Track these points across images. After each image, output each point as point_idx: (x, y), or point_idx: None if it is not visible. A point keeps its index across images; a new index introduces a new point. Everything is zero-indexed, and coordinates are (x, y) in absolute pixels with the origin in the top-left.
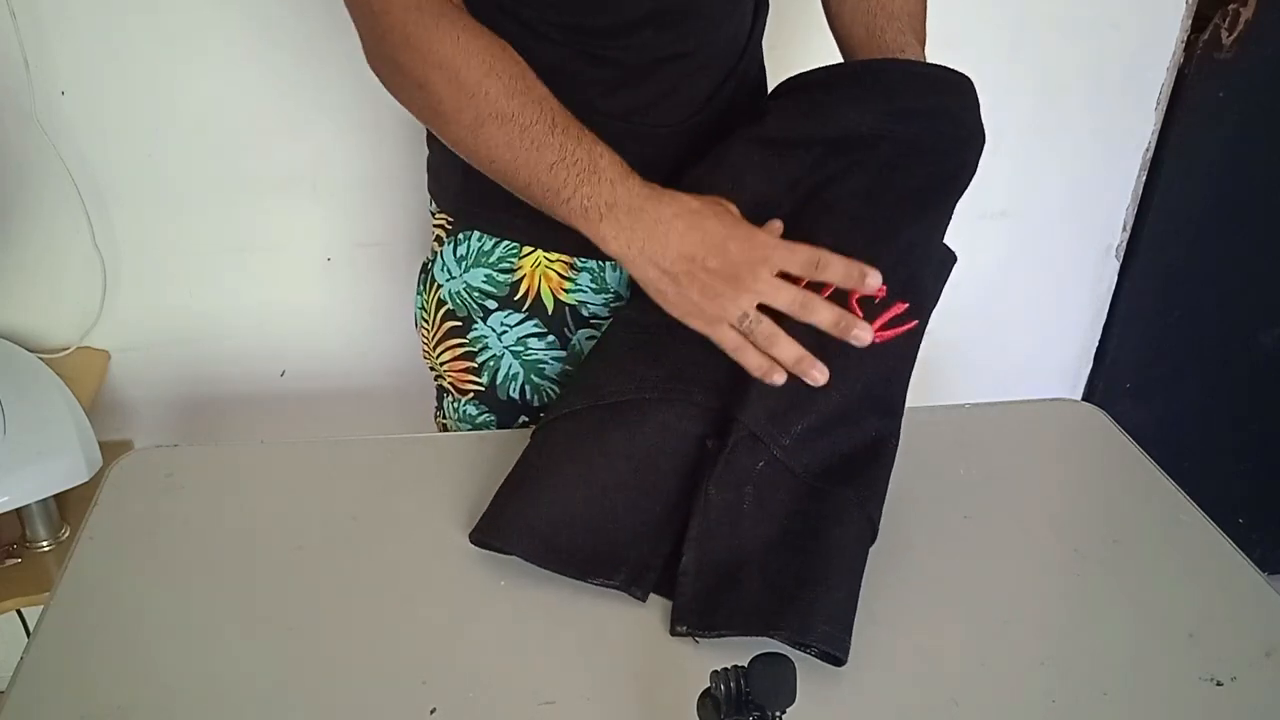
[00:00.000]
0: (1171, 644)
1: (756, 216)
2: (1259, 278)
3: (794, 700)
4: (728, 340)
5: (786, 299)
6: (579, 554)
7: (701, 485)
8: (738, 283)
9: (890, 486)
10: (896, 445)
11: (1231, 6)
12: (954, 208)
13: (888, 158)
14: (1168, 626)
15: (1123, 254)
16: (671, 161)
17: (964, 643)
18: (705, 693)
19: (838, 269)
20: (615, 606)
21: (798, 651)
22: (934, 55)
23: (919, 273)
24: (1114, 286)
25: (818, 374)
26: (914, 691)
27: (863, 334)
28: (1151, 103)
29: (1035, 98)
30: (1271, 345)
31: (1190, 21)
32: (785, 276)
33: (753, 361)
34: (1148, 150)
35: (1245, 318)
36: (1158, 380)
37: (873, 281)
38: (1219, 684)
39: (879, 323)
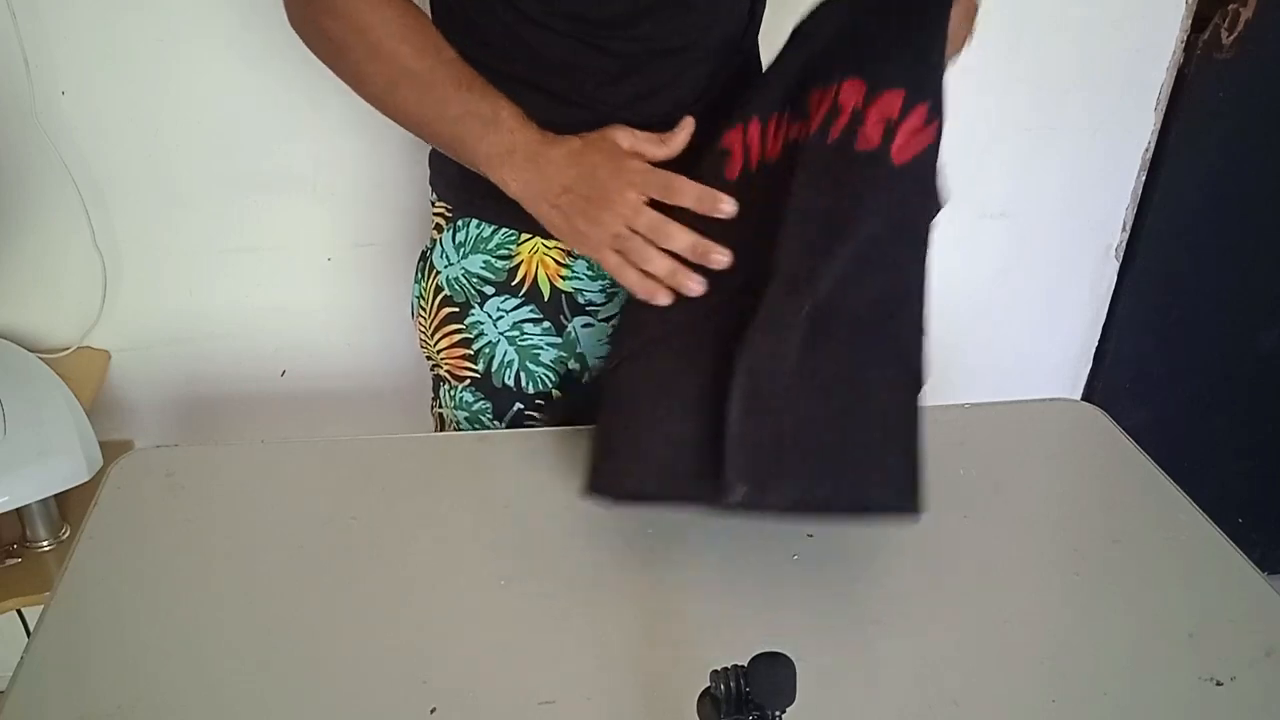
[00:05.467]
0: (1171, 644)
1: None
2: (1259, 278)
3: (794, 700)
4: (609, 261)
5: (644, 222)
6: (700, 473)
7: (745, 340)
8: (606, 205)
9: None
10: (927, 281)
11: (1231, 6)
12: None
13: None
14: (1168, 626)
15: (1122, 254)
16: (683, 151)
17: (964, 643)
18: (705, 692)
19: (689, 194)
20: (615, 606)
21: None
22: None
23: (932, 73)
24: (1114, 286)
25: (694, 285)
26: (914, 691)
27: (719, 256)
28: (1151, 103)
29: (1035, 98)
30: (1271, 345)
31: (1190, 21)
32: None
33: (632, 279)
34: (1147, 150)
35: (1245, 318)
36: (1157, 380)
37: (727, 208)
38: (1219, 684)
39: (899, 139)
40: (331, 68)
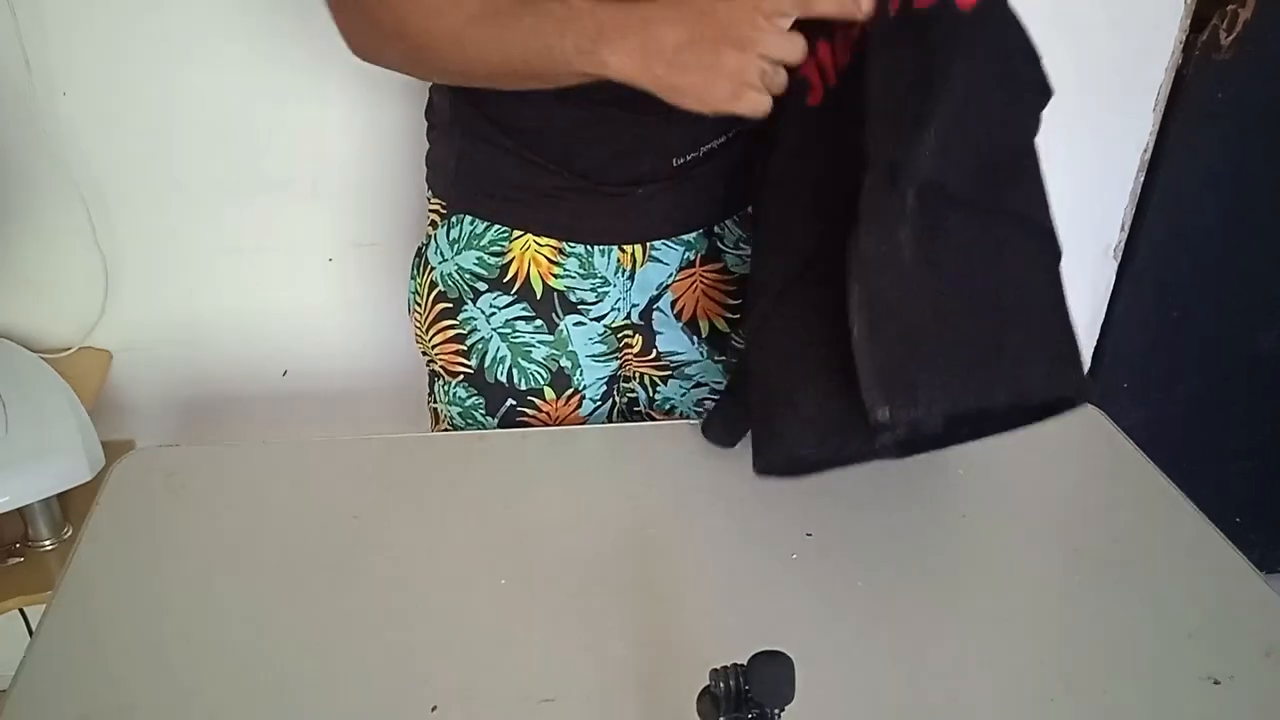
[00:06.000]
0: (1171, 644)
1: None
2: (1258, 278)
3: (793, 698)
4: (756, 106)
5: (790, 49)
6: (852, 419)
7: (851, 243)
8: (740, 43)
9: (889, 486)
10: (1036, 129)
11: (1230, 7)
12: None
13: None
14: (1168, 626)
15: (1121, 254)
16: (676, 147)
17: (964, 643)
18: (705, 691)
19: (828, 2)
20: (615, 607)
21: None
22: None
23: None
24: (1113, 286)
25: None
26: (914, 691)
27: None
28: (1150, 103)
29: None
30: (1271, 345)
31: (1189, 22)
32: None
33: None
34: (1146, 150)
35: (1244, 318)
36: (1156, 380)
37: (867, 5)
38: (1218, 684)
39: None
40: (405, 64)
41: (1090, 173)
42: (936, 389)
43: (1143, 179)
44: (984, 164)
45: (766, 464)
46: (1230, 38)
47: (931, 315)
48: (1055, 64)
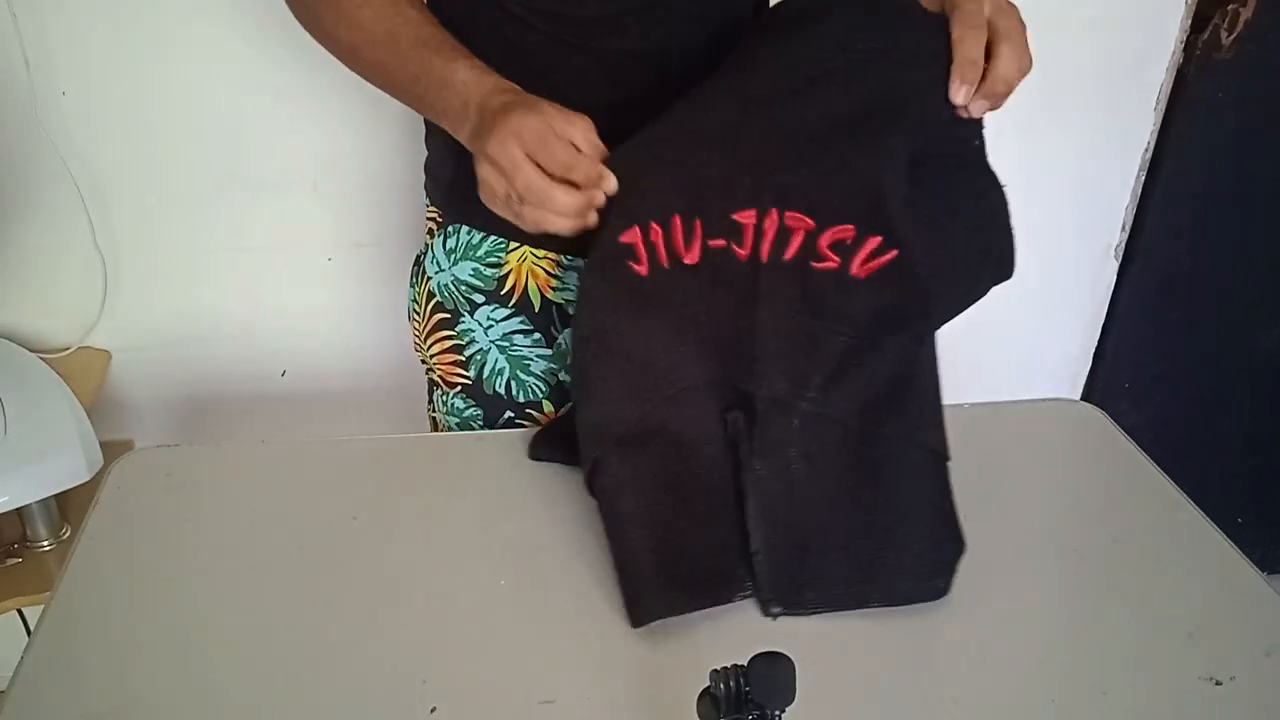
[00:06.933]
0: (1171, 644)
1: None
2: (1259, 278)
3: (793, 699)
4: (516, 221)
5: (521, 182)
6: (707, 581)
7: (745, 463)
8: (495, 165)
9: None
10: (934, 363)
11: (1231, 6)
12: (903, 137)
13: (828, 96)
14: (1168, 626)
15: (1122, 254)
16: None
17: (964, 643)
18: (705, 691)
19: (581, 171)
20: (615, 606)
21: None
22: None
23: (882, 203)
24: (1113, 286)
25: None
26: (914, 691)
27: (610, 184)
28: (1151, 103)
29: (1035, 98)
30: (1271, 346)
31: (1190, 21)
32: None
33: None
34: (1147, 150)
35: (1245, 318)
36: (1157, 380)
37: (610, 185)
38: (1219, 684)
39: (856, 262)
40: (320, 42)
41: (1090, 173)
42: (821, 595)
43: (1143, 179)
44: (868, 400)
45: (643, 619)
46: (1231, 37)
47: (818, 529)
48: (1056, 64)
